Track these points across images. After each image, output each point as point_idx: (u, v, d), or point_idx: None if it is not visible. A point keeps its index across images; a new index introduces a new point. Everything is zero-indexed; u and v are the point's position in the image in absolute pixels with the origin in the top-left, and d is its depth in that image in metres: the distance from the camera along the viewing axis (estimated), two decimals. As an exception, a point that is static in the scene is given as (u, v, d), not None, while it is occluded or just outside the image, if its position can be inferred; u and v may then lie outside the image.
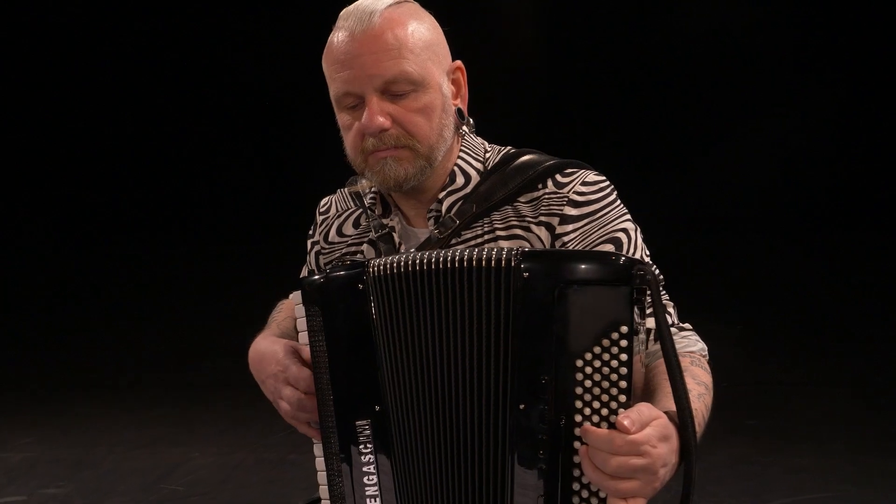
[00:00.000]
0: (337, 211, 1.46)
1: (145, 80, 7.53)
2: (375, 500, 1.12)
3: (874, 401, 4.05)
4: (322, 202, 1.50)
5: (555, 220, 1.24)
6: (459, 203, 1.29)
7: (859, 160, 7.04)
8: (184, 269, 7.23)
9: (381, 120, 1.19)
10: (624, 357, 0.97)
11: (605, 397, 0.98)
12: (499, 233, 1.26)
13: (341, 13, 1.26)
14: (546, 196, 1.25)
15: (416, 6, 1.29)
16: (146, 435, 4.10)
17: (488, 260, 1.03)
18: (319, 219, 1.48)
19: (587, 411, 0.98)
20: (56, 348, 5.83)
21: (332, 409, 1.13)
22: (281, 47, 6.72)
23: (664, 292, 1.26)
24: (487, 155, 1.34)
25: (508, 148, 1.35)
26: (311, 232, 1.50)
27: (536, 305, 1.00)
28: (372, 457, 1.11)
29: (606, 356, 0.97)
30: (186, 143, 7.78)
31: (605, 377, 0.97)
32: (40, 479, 3.54)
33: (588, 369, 0.98)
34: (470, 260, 1.05)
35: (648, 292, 0.98)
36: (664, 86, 7.21)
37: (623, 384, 0.97)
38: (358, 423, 1.11)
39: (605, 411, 0.98)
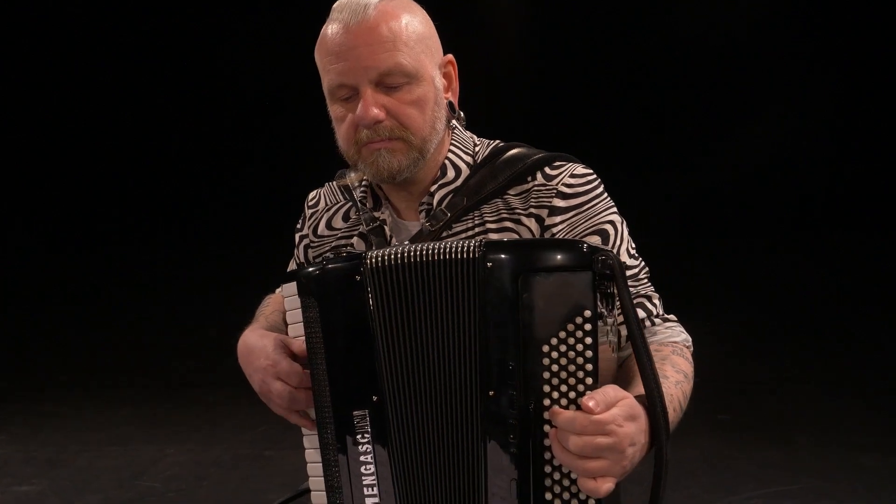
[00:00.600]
0: (326, 204, 1.46)
1: (140, 83, 7.44)
2: (373, 489, 1.13)
3: (839, 397, 4.16)
4: (310, 195, 1.50)
5: (544, 212, 1.26)
6: (450, 196, 1.30)
7: (851, 161, 7.09)
8: (153, 269, 7.16)
9: (376, 111, 1.20)
10: (589, 341, 0.99)
11: (571, 381, 1.00)
12: (489, 225, 1.28)
13: (335, 6, 1.27)
14: (535, 188, 1.27)
15: (408, 1, 1.29)
16: (118, 433, 4.07)
17: (456, 252, 1.06)
18: (308, 212, 1.48)
19: (555, 395, 1.00)
20: (25, 348, 5.76)
21: (329, 400, 1.14)
22: (277, 49, 6.67)
23: (649, 284, 1.30)
24: (477, 148, 1.35)
25: (497, 142, 1.37)
26: (299, 225, 1.50)
27: (501, 294, 1.02)
28: (369, 446, 1.12)
29: (572, 340, 1.00)
30: (161, 148, 7.70)
31: (572, 361, 0.99)
32: (13, 477, 3.50)
33: (554, 354, 1.00)
34: (440, 252, 1.07)
35: (611, 278, 1.01)
36: (654, 85, 7.22)
37: (589, 367, 0.99)
38: (355, 413, 1.12)
39: (572, 394, 0.99)
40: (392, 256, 1.10)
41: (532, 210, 1.27)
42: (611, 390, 0.99)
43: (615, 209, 1.29)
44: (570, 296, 1.00)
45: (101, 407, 4.47)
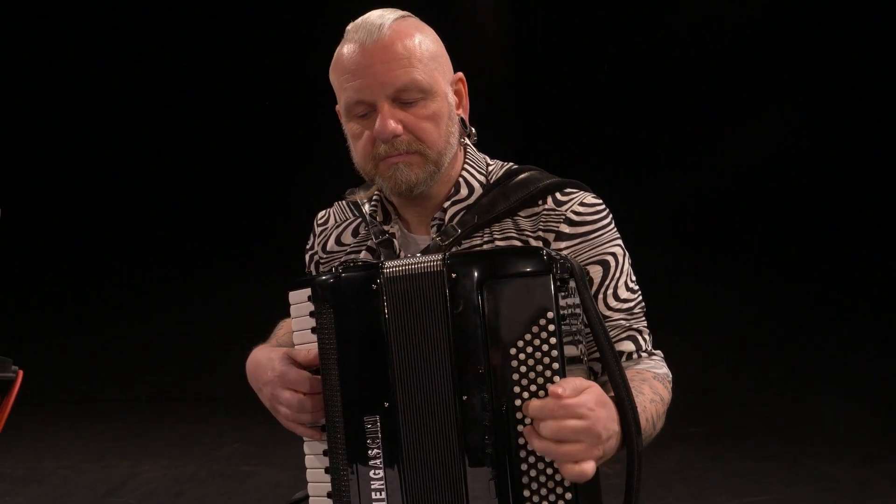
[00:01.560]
0: (336, 222, 1.49)
1: (139, 88, 7.36)
2: (381, 494, 1.15)
3: (806, 408, 4.26)
4: (319, 214, 1.53)
5: (550, 236, 1.29)
6: (462, 213, 1.33)
7: (840, 171, 7.07)
8: (127, 284, 7.10)
9: (394, 125, 1.24)
10: (553, 341, 1.03)
11: (540, 380, 1.04)
12: (498, 244, 1.30)
13: (349, 27, 1.31)
14: (545, 212, 1.30)
15: (419, 20, 1.33)
16: (93, 449, 4.05)
17: (424, 265, 1.11)
18: (318, 230, 1.51)
19: (525, 395, 1.04)
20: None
21: (340, 405, 1.17)
22: (283, 52, 6.62)
23: (644, 318, 1.34)
24: (490, 168, 1.39)
25: (511, 164, 1.40)
26: (308, 245, 1.53)
27: (467, 303, 1.07)
28: (379, 452, 1.15)
29: (537, 342, 1.04)
30: (126, 166, 7.62)
31: (539, 361, 1.04)
32: (-14, 494, 3.48)
33: (521, 356, 1.05)
34: (413, 266, 1.12)
35: (572, 281, 1.07)
36: (640, 90, 7.11)
37: (556, 366, 1.03)
38: (366, 418, 1.15)
39: (541, 394, 1.04)
40: (408, 266, 1.14)
41: (540, 233, 1.30)
42: (577, 379, 1.03)
43: (620, 241, 1.33)
44: (533, 299, 1.04)
45: (75, 422, 4.45)
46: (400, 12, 1.31)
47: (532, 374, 1.05)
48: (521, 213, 1.32)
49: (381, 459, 1.15)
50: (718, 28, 6.71)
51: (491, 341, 1.06)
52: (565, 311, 1.06)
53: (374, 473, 1.15)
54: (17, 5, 6.80)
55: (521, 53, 6.96)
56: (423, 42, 1.28)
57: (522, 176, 1.35)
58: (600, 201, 1.33)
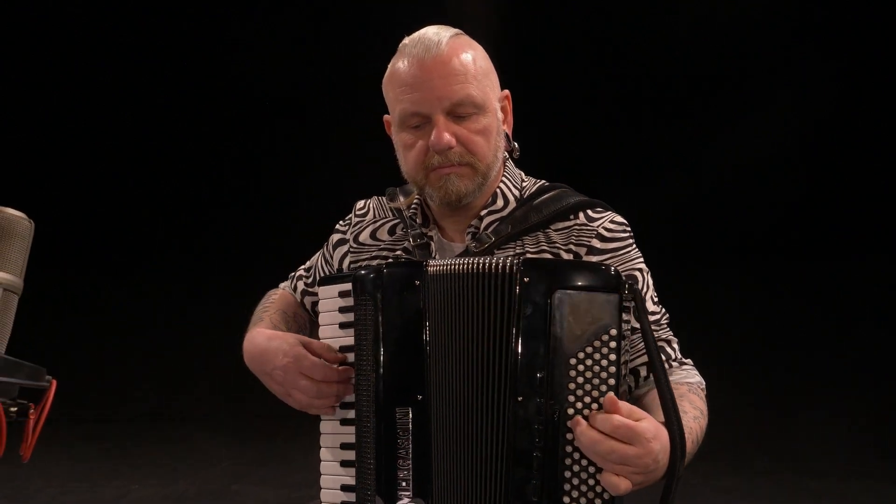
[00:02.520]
0: (374, 217, 1.51)
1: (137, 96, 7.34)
2: (407, 483, 1.18)
3: (791, 426, 4.31)
4: (359, 204, 1.55)
5: (582, 250, 1.34)
6: (497, 223, 1.38)
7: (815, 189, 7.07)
8: (113, 304, 7.07)
9: (449, 138, 1.29)
10: (613, 357, 1.07)
11: (595, 393, 1.07)
12: (529, 254, 1.35)
13: (405, 41, 1.36)
14: (577, 227, 1.36)
15: (470, 38, 1.39)
16: (81, 469, 4.04)
17: (495, 266, 1.13)
18: (355, 219, 1.53)
19: (579, 405, 1.07)
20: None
21: (373, 395, 1.20)
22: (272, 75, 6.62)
23: (669, 329, 1.40)
24: (525, 184, 1.44)
25: (543, 181, 1.46)
26: (341, 226, 1.55)
27: (536, 308, 1.10)
28: (409, 442, 1.18)
29: (597, 356, 1.07)
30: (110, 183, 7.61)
31: (596, 375, 1.07)
32: (-27, 515, 3.46)
33: (580, 367, 1.07)
34: (481, 265, 1.15)
35: (633, 301, 1.10)
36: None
37: (612, 381, 1.06)
38: (398, 409, 1.19)
39: (594, 406, 1.06)
40: (449, 266, 1.19)
41: (572, 247, 1.35)
42: (632, 406, 1.06)
43: (643, 259, 1.39)
44: (599, 314, 1.08)
45: (64, 442, 4.42)
46: (453, 30, 1.36)
47: (588, 387, 1.07)
48: (553, 227, 1.37)
49: (410, 450, 1.18)
50: (711, 32, 6.62)
51: (553, 348, 1.09)
52: (625, 331, 1.09)
53: (402, 463, 1.18)
54: (17, 7, 6.79)
55: (516, 55, 6.92)
56: (478, 59, 1.34)
57: (554, 192, 1.41)
58: (626, 222, 1.39)
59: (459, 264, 1.17)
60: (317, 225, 1.74)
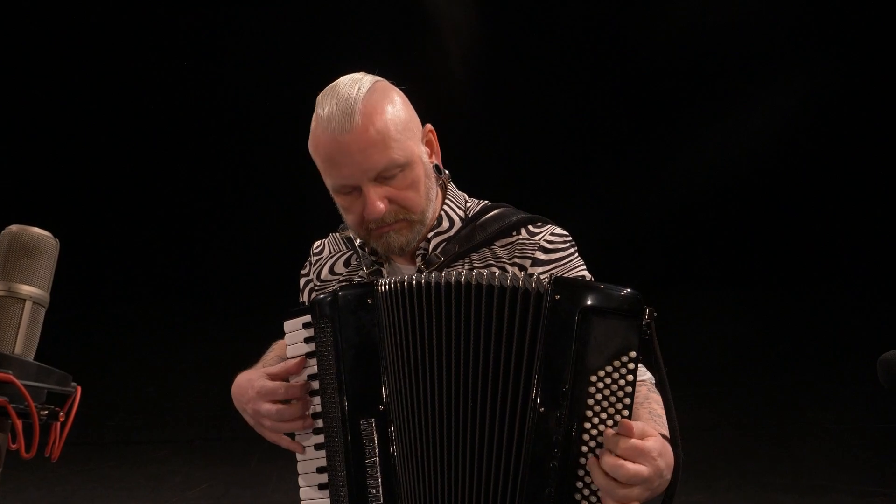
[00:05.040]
0: (330, 252, 1.61)
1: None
2: (376, 491, 1.25)
3: (755, 441, 4.43)
4: (315, 244, 1.66)
5: (527, 262, 1.43)
6: (444, 244, 1.47)
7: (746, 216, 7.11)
8: (92, 327, 7.05)
9: (381, 206, 1.36)
10: (630, 378, 1.14)
11: (611, 410, 1.14)
12: (477, 270, 1.38)
13: (319, 99, 1.38)
14: (520, 242, 1.45)
15: (385, 84, 1.42)
16: (59, 491, 4.04)
17: (524, 284, 1.20)
18: (313, 259, 1.64)
19: (595, 421, 1.14)
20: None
21: (338, 412, 1.27)
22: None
23: None
24: (468, 205, 1.54)
25: (486, 202, 1.55)
26: (304, 271, 1.65)
27: (563, 325, 1.17)
28: (375, 452, 1.25)
29: (616, 375, 1.14)
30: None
31: (614, 393, 1.14)
32: (-49, 539, 3.45)
33: (600, 384, 1.14)
34: (504, 281, 1.21)
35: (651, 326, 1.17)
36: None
37: (627, 401, 1.14)
38: (362, 421, 1.26)
39: (610, 422, 1.14)
40: (402, 283, 1.27)
41: (516, 260, 1.45)
42: (644, 424, 1.14)
43: (585, 267, 1.48)
44: (622, 335, 1.15)
45: (37, 466, 4.41)
46: (367, 80, 1.39)
47: (605, 404, 1.14)
48: (497, 244, 1.47)
49: (377, 460, 1.25)
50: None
51: (577, 364, 1.15)
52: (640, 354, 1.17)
53: (370, 472, 1.26)
54: (18, 9, 6.77)
55: (494, 56, 6.81)
56: (393, 115, 1.36)
57: (497, 211, 1.51)
58: (567, 233, 1.49)
59: (482, 276, 1.23)
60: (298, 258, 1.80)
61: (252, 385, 1.37)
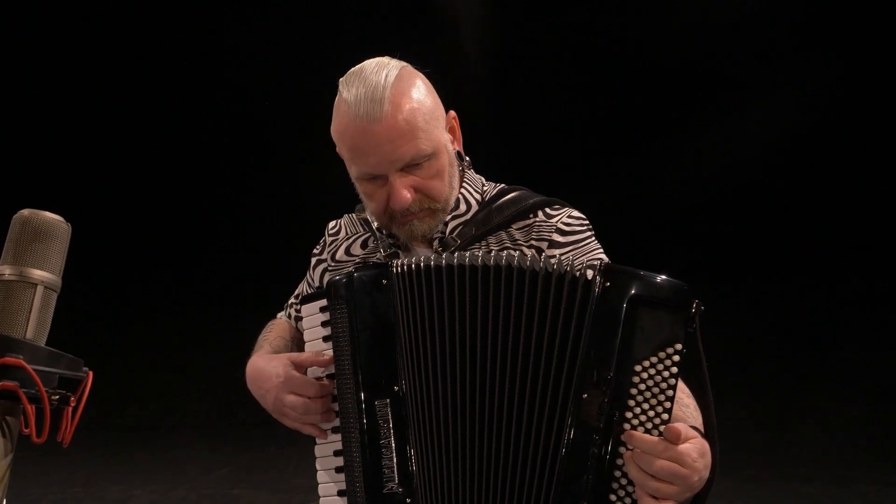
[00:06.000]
0: (346, 234, 1.57)
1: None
2: (391, 472, 1.23)
3: (779, 432, 4.39)
4: (331, 224, 1.61)
5: (544, 245, 1.40)
6: (461, 227, 1.44)
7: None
8: (112, 313, 7.10)
9: (407, 196, 1.32)
10: (674, 370, 1.10)
11: (653, 401, 1.11)
12: (493, 252, 1.34)
13: (344, 81, 1.34)
14: (537, 224, 1.42)
15: (411, 70, 1.38)
16: (79, 474, 4.07)
17: (573, 271, 1.16)
18: (329, 239, 1.59)
19: (637, 411, 1.10)
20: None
21: (354, 393, 1.25)
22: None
23: None
24: (485, 188, 1.50)
25: (503, 185, 1.52)
26: (317, 250, 1.61)
27: (611, 312, 1.13)
28: (390, 433, 1.23)
29: (661, 366, 1.10)
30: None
31: (657, 384, 1.10)
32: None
33: (644, 374, 1.11)
34: (550, 268, 1.17)
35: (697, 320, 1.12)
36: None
37: (670, 393, 1.10)
38: (377, 402, 1.24)
39: (651, 413, 1.10)
40: (418, 264, 1.23)
41: (533, 242, 1.41)
42: (687, 427, 1.10)
43: (602, 250, 1.44)
44: (669, 327, 1.11)
45: (57, 449, 4.45)
46: (393, 66, 1.35)
47: (648, 394, 1.11)
48: (514, 226, 1.43)
49: (392, 441, 1.23)
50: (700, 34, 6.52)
51: (622, 353, 1.12)
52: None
53: (385, 452, 1.23)
54: (18, 11, 6.80)
55: (502, 52, 6.78)
56: (420, 104, 1.33)
57: (514, 194, 1.47)
58: (584, 216, 1.45)
59: (514, 258, 1.19)
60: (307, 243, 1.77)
61: (277, 372, 1.34)
